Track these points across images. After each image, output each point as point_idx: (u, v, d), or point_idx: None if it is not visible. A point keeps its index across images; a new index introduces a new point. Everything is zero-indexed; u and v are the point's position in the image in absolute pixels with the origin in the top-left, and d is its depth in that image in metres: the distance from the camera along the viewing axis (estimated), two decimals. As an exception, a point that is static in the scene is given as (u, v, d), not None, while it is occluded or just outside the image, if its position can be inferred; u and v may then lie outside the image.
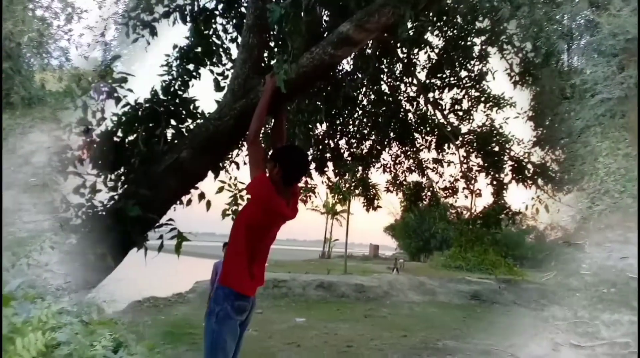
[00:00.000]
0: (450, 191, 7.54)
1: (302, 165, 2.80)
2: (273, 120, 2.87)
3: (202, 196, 3.15)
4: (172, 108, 3.09)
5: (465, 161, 7.11)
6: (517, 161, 6.80)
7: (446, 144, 7.39)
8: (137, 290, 16.53)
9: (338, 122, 6.69)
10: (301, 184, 7.24)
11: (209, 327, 2.61)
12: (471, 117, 7.39)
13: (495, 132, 7.28)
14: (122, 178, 2.81)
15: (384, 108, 7.07)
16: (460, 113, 7.34)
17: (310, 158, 6.57)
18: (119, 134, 2.98)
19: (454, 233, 7.45)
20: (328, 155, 6.79)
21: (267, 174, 2.60)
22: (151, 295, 15.28)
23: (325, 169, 6.98)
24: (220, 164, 3.22)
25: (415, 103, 7.35)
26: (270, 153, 2.75)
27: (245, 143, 2.77)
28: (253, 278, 2.66)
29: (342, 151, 7.12)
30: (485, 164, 6.96)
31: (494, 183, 6.91)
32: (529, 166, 6.57)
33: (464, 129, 7.38)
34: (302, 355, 8.30)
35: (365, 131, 7.31)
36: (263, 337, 9.83)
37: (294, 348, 8.82)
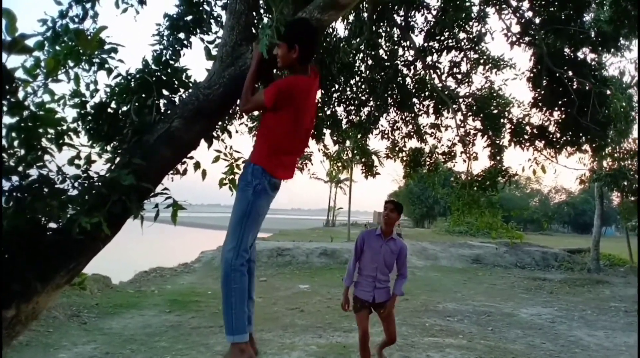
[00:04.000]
0: (448, 155, 7.55)
1: (316, 35, 2.70)
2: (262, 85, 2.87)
3: (197, 165, 3.18)
4: (164, 78, 3.08)
5: (462, 124, 7.10)
6: (516, 123, 6.79)
7: (444, 109, 7.37)
8: (144, 261, 16.85)
9: (334, 89, 6.65)
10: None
11: (244, 198, 2.58)
12: (470, 80, 7.34)
13: (494, 94, 7.24)
14: (118, 149, 2.84)
15: (382, 74, 7.01)
16: (459, 76, 7.29)
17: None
18: (113, 105, 2.99)
19: (452, 198, 7.51)
20: (325, 123, 6.78)
21: (282, 63, 2.61)
22: (157, 266, 15.56)
23: (322, 137, 6.98)
24: (214, 133, 3.23)
25: (412, 68, 7.30)
26: (281, 37, 2.56)
27: (238, 112, 2.76)
28: (287, 164, 2.74)
29: (339, 118, 7.10)
30: (483, 128, 6.95)
31: (492, 146, 6.92)
32: (527, 128, 6.56)
33: (462, 92, 7.34)
34: (305, 319, 8.52)
35: (363, 98, 7.27)
36: (268, 303, 10.07)
37: (298, 313, 9.05)
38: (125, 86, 2.94)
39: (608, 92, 6.00)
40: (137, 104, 2.89)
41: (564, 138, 6.25)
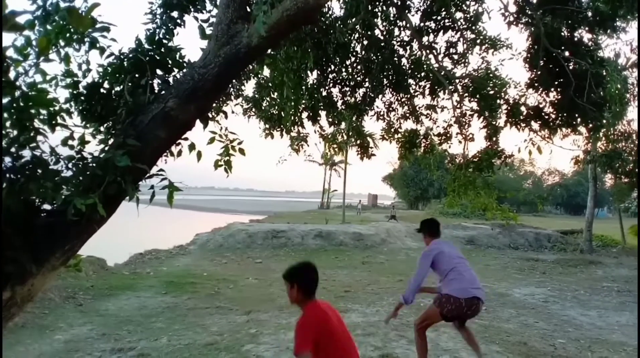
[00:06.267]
0: (444, 137, 7.53)
1: (314, 273, 2.90)
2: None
3: (192, 146, 3.15)
4: (158, 57, 3.03)
5: (458, 105, 7.07)
6: (512, 104, 6.76)
7: (440, 90, 7.32)
8: (139, 243, 16.86)
9: (329, 69, 6.58)
10: (294, 134, 7.22)
11: None
12: (466, 61, 7.28)
13: (491, 75, 7.19)
14: (112, 130, 2.80)
15: (378, 54, 6.94)
16: (455, 57, 7.22)
17: (302, 107, 6.51)
18: (106, 85, 2.95)
19: (448, 179, 7.51)
20: (320, 104, 6.72)
21: (292, 301, 2.84)
22: (153, 248, 15.56)
23: (318, 118, 6.92)
24: (209, 114, 3.19)
25: (409, 48, 7.22)
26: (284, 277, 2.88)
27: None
28: None
29: (335, 99, 7.04)
30: (479, 109, 6.92)
31: (488, 126, 6.90)
32: (523, 108, 6.54)
33: (459, 72, 7.29)
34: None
35: (359, 79, 7.20)
36: (263, 285, 10.13)
37: (294, 294, 9.09)
38: (118, 65, 2.89)
39: (604, 73, 5.97)
40: (130, 84, 2.84)
41: (560, 119, 6.23)
